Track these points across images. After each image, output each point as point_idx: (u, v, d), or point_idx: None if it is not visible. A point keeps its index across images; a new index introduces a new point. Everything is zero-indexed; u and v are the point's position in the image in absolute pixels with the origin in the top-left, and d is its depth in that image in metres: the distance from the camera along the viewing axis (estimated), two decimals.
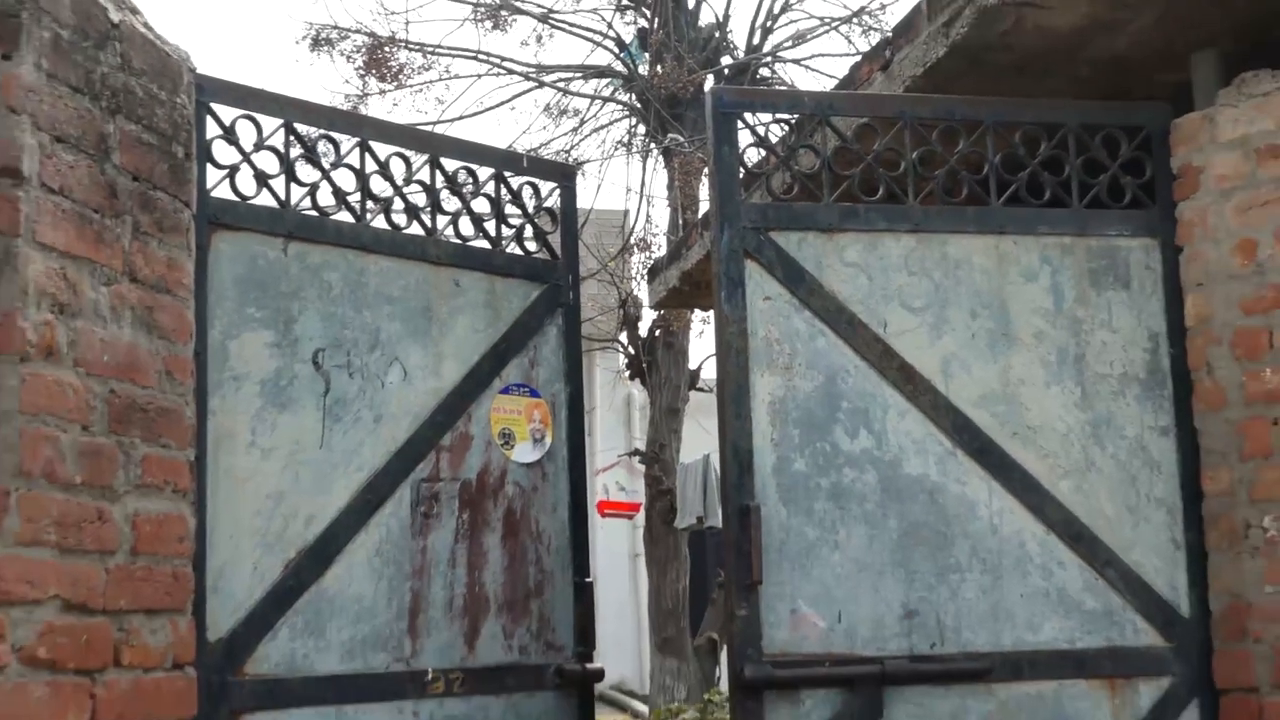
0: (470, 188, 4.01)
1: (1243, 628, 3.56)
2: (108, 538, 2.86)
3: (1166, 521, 3.74)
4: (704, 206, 10.31)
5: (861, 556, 3.58)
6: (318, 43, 12.78)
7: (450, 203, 3.97)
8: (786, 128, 4.19)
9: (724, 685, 10.74)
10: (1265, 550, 3.52)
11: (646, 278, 8.72)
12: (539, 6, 13.04)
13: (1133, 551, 3.71)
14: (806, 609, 3.53)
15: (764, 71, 12.91)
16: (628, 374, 13.08)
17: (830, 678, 3.48)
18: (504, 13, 12.93)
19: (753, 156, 4.10)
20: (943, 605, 3.59)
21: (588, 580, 4.04)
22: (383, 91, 12.73)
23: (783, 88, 12.22)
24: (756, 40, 12.89)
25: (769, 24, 12.93)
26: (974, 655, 3.57)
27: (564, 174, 4.31)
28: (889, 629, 3.56)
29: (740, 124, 3.75)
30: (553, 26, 13.13)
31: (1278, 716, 3.46)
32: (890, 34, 4.48)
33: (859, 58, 5.05)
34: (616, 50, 13.02)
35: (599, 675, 3.97)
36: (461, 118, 14.04)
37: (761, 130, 3.95)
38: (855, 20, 12.73)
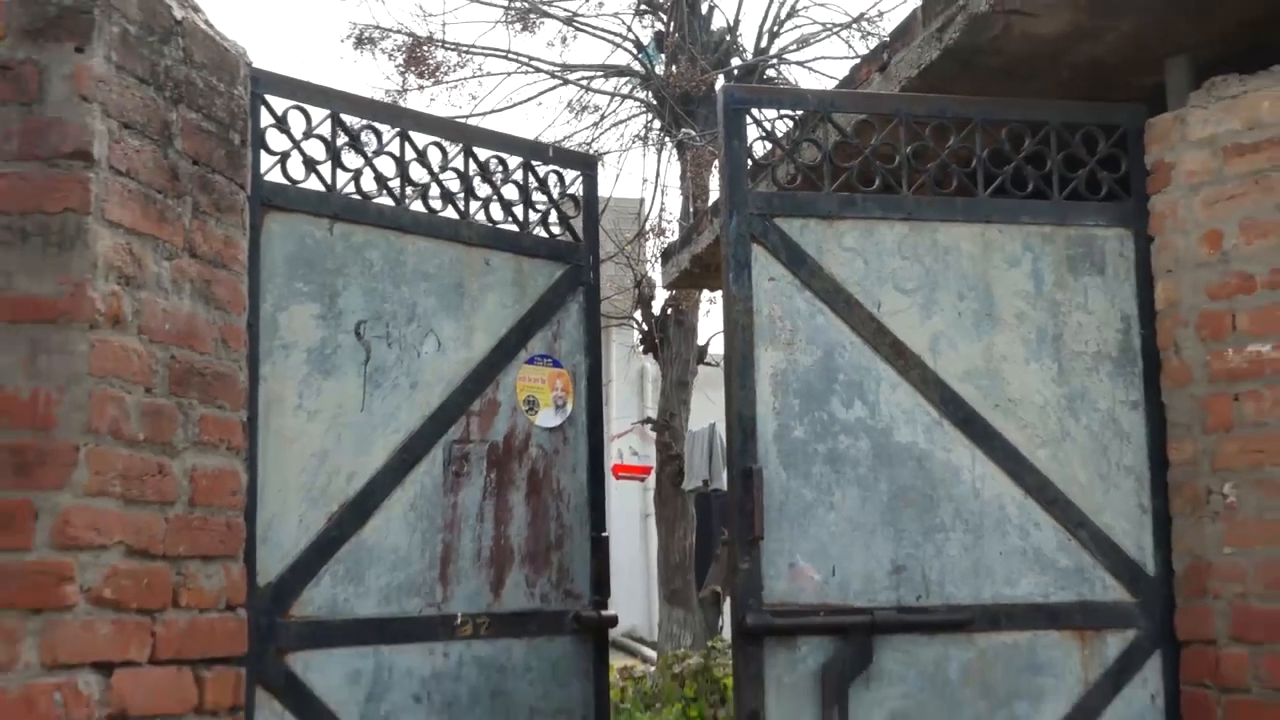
0: (500, 175, 4.01)
1: (1203, 586, 3.56)
2: (168, 490, 2.87)
3: (1135, 488, 3.74)
4: (714, 195, 10.28)
5: (854, 516, 3.58)
6: (361, 41, 12.73)
7: (482, 189, 3.96)
8: (791, 123, 4.18)
9: (726, 633, 10.78)
10: (1225, 515, 3.52)
11: (660, 260, 8.71)
12: (565, 10, 13.00)
13: (1103, 515, 3.71)
14: (803, 563, 3.53)
15: (770, 72, 12.84)
16: (642, 349, 13.07)
17: (825, 626, 3.49)
18: (533, 15, 12.89)
19: (759, 149, 4.09)
20: (928, 561, 3.60)
21: (603, 535, 4.05)
22: (421, 87, 12.69)
23: (788, 87, 12.15)
24: (764, 43, 12.82)
25: (775, 29, 12.86)
26: (956, 607, 3.58)
27: (586, 164, 4.30)
28: (879, 582, 3.56)
29: (748, 119, 3.74)
30: (577, 29, 13.07)
31: (1234, 667, 3.46)
32: (888, 38, 4.46)
33: (859, 60, 5.02)
34: (635, 51, 12.97)
35: (613, 622, 3.99)
36: (493, 111, 13.98)
37: (768, 125, 3.92)
38: (855, 26, 12.66)
